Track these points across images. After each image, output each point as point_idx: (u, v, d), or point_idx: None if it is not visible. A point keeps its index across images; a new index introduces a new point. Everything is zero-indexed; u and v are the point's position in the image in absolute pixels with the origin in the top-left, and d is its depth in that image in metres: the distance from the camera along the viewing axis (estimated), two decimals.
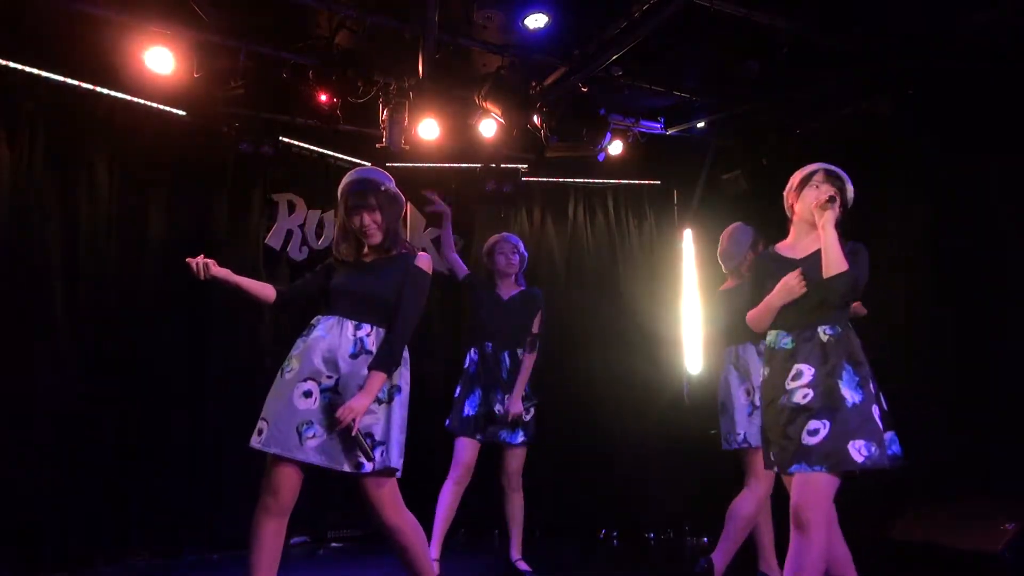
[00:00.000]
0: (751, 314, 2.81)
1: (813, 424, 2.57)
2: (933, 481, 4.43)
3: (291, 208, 5.49)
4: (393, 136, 4.82)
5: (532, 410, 4.24)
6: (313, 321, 2.83)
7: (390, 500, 2.74)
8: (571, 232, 6.21)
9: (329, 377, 2.69)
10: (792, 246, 2.87)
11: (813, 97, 4.95)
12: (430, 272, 2.91)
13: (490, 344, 4.23)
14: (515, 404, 4.14)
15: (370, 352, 2.72)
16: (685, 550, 5.19)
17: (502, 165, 5.70)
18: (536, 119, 4.97)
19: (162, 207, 4.83)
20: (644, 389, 5.74)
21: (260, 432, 2.66)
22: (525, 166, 5.90)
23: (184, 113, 4.80)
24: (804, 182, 2.85)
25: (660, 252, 6.16)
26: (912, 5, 4.07)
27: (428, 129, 4.99)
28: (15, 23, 4.15)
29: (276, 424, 2.64)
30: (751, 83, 4.39)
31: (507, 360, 4.24)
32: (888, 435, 2.62)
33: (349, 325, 2.75)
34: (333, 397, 2.66)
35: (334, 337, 2.73)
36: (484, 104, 4.80)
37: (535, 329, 4.24)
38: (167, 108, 4.79)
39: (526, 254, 4.44)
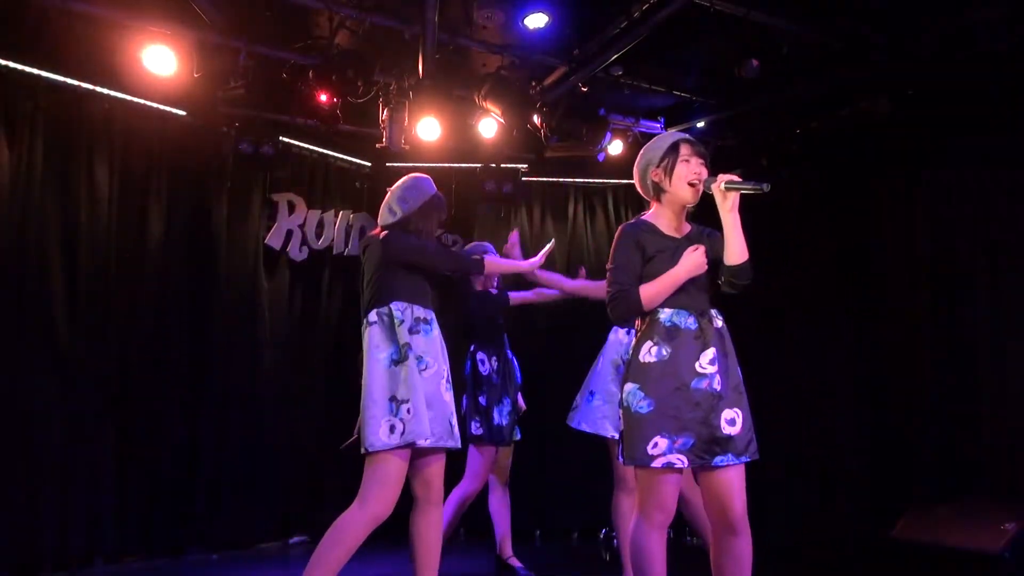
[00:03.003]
0: (650, 289, 2.47)
1: (728, 413, 2.43)
2: (933, 481, 4.43)
3: (291, 208, 5.49)
4: (393, 136, 4.82)
5: None
6: (425, 316, 2.97)
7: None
8: (571, 232, 6.21)
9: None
10: (667, 224, 2.59)
11: (813, 97, 4.95)
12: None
13: (505, 346, 4.27)
14: (523, 402, 4.29)
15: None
16: (685, 550, 5.19)
17: (502, 165, 5.70)
18: (536, 119, 4.97)
19: (162, 207, 4.83)
20: None
21: (394, 429, 2.77)
22: (525, 166, 5.90)
23: (184, 113, 4.80)
24: (670, 155, 2.54)
25: None
26: (912, 5, 4.07)
27: (428, 129, 4.99)
28: (15, 23, 4.15)
29: (434, 418, 2.84)
30: (751, 83, 4.39)
31: (515, 360, 4.33)
32: None
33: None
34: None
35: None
36: (484, 104, 4.80)
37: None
38: (167, 108, 4.79)
39: None
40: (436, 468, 2.95)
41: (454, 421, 2.92)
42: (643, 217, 2.64)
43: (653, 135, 5.75)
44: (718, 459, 2.40)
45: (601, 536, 5.59)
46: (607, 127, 5.22)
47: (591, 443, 5.79)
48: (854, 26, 4.28)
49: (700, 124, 5.60)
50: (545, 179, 6.17)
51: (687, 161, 2.52)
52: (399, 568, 4.40)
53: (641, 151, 2.64)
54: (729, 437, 2.41)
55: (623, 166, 5.82)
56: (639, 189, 2.66)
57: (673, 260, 2.48)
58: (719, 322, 2.53)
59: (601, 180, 6.22)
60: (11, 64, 4.24)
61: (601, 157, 5.45)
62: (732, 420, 2.43)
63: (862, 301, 4.94)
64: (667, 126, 5.74)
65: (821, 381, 5.14)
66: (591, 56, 4.65)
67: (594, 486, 5.60)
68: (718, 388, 2.43)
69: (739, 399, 2.47)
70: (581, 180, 6.25)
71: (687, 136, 2.59)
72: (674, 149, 2.54)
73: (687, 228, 2.62)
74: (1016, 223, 4.37)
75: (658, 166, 2.55)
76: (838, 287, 5.10)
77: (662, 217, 2.60)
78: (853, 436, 4.96)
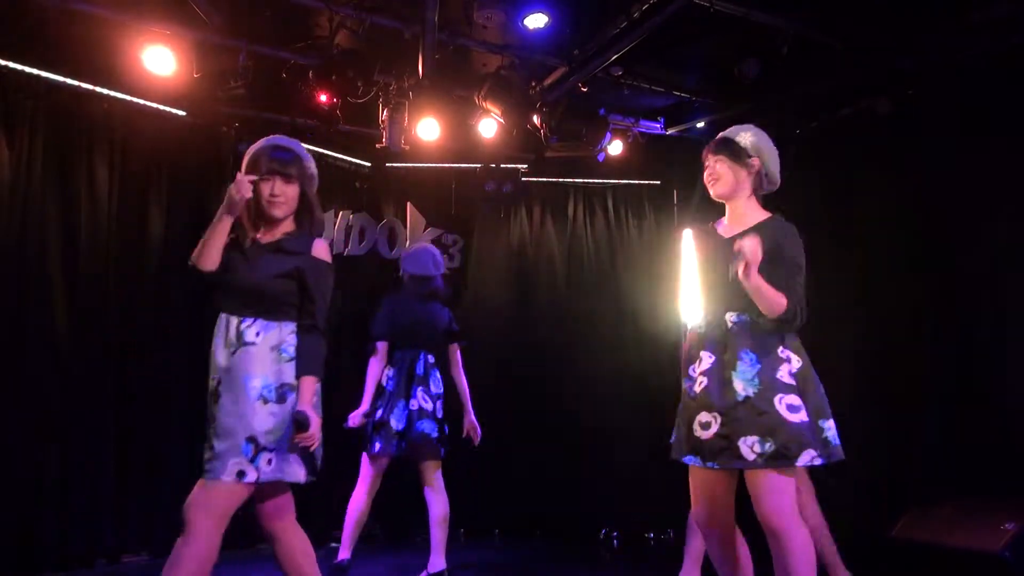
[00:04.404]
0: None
1: (704, 416, 2.43)
2: (933, 481, 4.43)
3: None
4: (393, 136, 4.82)
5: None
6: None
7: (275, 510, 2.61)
8: (571, 232, 6.21)
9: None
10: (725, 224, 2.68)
11: (813, 97, 4.95)
12: (330, 261, 2.70)
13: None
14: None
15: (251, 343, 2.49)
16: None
17: (502, 165, 5.70)
18: (536, 119, 4.97)
19: (162, 207, 4.83)
20: (644, 389, 5.74)
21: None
22: (525, 166, 5.90)
23: (184, 113, 4.80)
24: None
25: (660, 252, 6.15)
26: (912, 5, 4.07)
27: (428, 129, 4.99)
28: (15, 23, 4.15)
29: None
30: (751, 83, 4.39)
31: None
32: (831, 424, 2.43)
33: (234, 321, 2.52)
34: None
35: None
36: (484, 104, 4.80)
37: None
38: (167, 108, 4.79)
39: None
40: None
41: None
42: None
43: (653, 135, 5.78)
44: (687, 458, 2.50)
45: (601, 536, 5.60)
46: (607, 127, 5.22)
47: (590, 443, 5.83)
48: (854, 26, 4.28)
49: (700, 124, 5.60)
50: (545, 179, 6.17)
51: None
52: (398, 569, 4.41)
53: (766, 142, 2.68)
54: (700, 440, 2.44)
55: (623, 166, 5.84)
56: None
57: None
58: (730, 323, 2.48)
59: (601, 180, 6.22)
60: (11, 64, 4.24)
61: (601, 157, 5.45)
62: (707, 424, 2.43)
63: (862, 300, 4.93)
64: (667, 126, 5.75)
65: (821, 381, 5.12)
66: (591, 56, 4.65)
67: (594, 486, 5.62)
68: (697, 391, 2.51)
69: (724, 403, 2.41)
70: (581, 180, 6.26)
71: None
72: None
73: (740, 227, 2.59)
74: (1017, 223, 4.37)
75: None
76: (838, 287, 5.09)
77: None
78: (853, 436, 4.95)
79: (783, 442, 2.31)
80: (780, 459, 2.31)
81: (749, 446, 2.33)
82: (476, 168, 5.70)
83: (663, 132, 5.76)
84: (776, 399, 2.35)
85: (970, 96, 4.44)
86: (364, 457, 4.01)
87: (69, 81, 4.45)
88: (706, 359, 2.50)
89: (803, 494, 3.29)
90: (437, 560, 3.98)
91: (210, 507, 2.38)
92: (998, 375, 4.36)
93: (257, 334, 2.50)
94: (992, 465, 4.24)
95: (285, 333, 2.53)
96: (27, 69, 4.29)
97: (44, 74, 4.36)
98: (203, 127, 4.85)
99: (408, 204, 5.96)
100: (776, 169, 2.66)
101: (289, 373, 2.48)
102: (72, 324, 4.35)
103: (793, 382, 2.40)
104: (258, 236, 2.64)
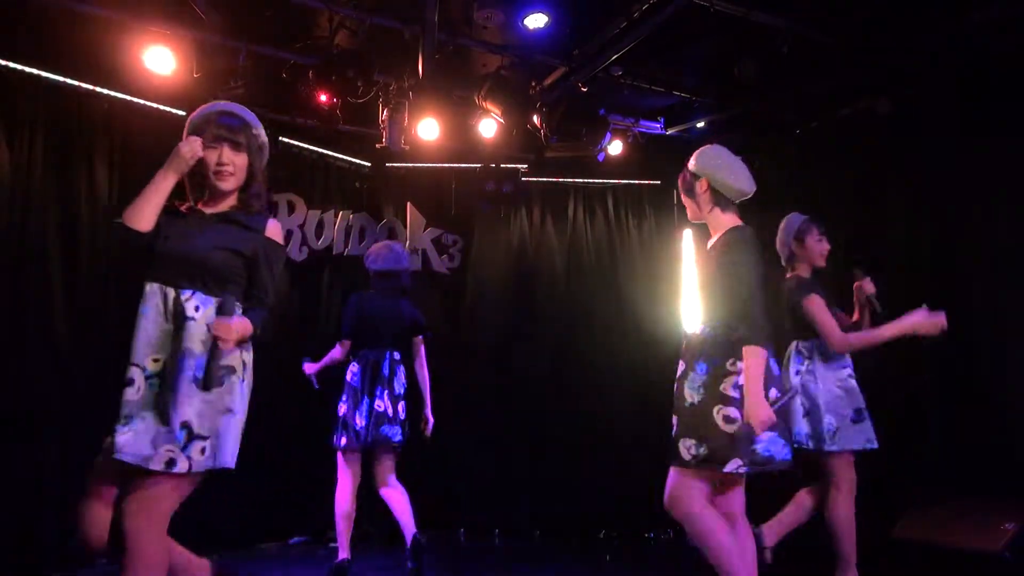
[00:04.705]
0: None
1: (673, 419, 2.73)
2: (933, 481, 4.43)
3: (291, 208, 5.50)
4: (393, 136, 4.82)
5: None
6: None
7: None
8: (571, 232, 6.21)
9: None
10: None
11: (813, 97, 4.95)
12: (283, 243, 2.53)
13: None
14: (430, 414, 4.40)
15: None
16: (685, 550, 5.19)
17: (502, 165, 5.70)
18: (536, 119, 4.97)
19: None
20: (644, 389, 5.74)
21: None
22: (525, 166, 5.90)
23: (184, 113, 4.79)
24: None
25: (660, 252, 6.16)
26: (912, 5, 4.07)
27: (428, 129, 4.99)
28: (15, 23, 4.15)
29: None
30: (751, 83, 4.39)
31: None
32: (768, 436, 2.57)
33: (170, 293, 2.34)
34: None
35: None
36: (484, 104, 4.80)
37: None
38: (167, 108, 4.79)
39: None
40: None
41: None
42: None
43: (653, 135, 5.78)
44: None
45: (601, 536, 5.60)
46: (607, 127, 5.22)
47: (590, 443, 5.83)
48: (854, 26, 4.28)
49: (700, 124, 5.60)
50: (545, 179, 6.17)
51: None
52: (397, 569, 4.41)
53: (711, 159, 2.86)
54: (669, 439, 2.72)
55: (623, 166, 5.85)
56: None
57: None
58: (695, 334, 2.76)
59: (601, 180, 6.22)
60: (11, 64, 4.24)
61: (601, 157, 5.45)
62: (672, 426, 2.72)
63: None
64: (667, 126, 5.75)
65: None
66: (591, 56, 4.65)
67: (594, 486, 5.62)
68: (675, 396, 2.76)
69: (679, 407, 2.70)
70: (581, 180, 6.26)
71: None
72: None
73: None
74: (1017, 223, 4.37)
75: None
76: (837, 287, 5.09)
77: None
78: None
79: (713, 449, 2.56)
80: (708, 463, 2.57)
81: (687, 448, 2.62)
82: (476, 168, 5.70)
83: (663, 132, 5.76)
84: (715, 410, 2.58)
85: (970, 96, 4.44)
86: (339, 455, 4.09)
87: (69, 81, 4.45)
88: (679, 367, 2.76)
89: (835, 488, 3.40)
90: (411, 527, 3.99)
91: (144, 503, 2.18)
92: (998, 375, 4.36)
93: (196, 308, 2.29)
94: (992, 465, 4.24)
95: (228, 310, 2.33)
96: (27, 69, 4.29)
97: (44, 74, 4.36)
98: None
99: (408, 204, 5.96)
100: (731, 178, 2.77)
101: (232, 355, 2.28)
102: (72, 324, 4.35)
103: (736, 395, 2.58)
104: (199, 207, 2.44)
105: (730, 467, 2.53)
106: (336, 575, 3.97)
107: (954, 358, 4.53)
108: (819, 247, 3.57)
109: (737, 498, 2.73)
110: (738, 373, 2.57)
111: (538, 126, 5.02)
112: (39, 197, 4.30)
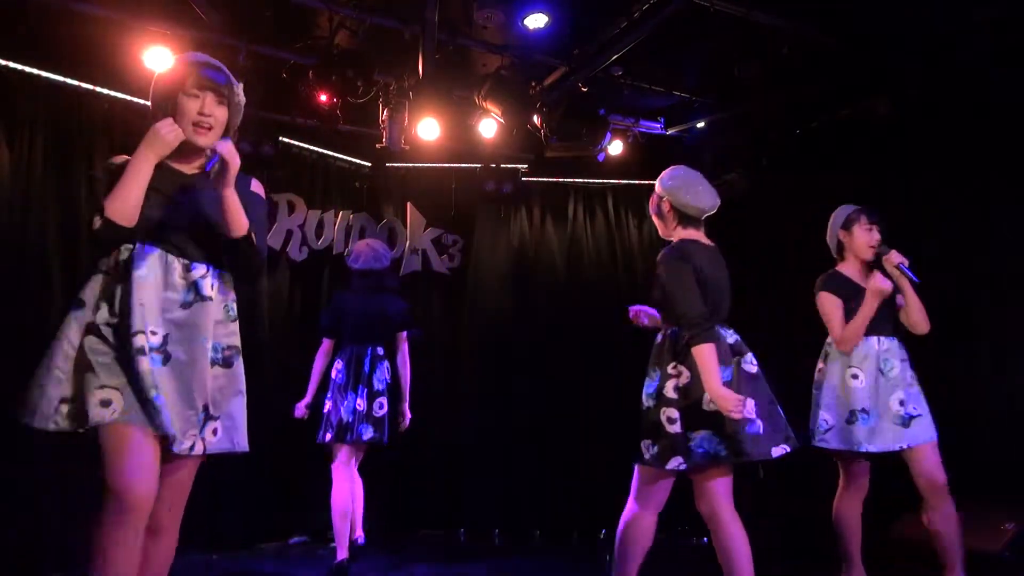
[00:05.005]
0: None
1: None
2: None
3: (291, 208, 5.49)
4: (393, 136, 4.82)
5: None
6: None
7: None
8: (571, 232, 6.21)
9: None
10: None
11: (813, 97, 4.95)
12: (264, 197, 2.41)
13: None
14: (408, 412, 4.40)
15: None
16: (685, 550, 5.19)
17: (502, 165, 5.70)
18: (536, 119, 4.97)
19: None
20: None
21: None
22: (525, 166, 5.90)
23: None
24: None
25: (659, 252, 6.15)
26: (912, 4, 4.07)
27: (428, 129, 4.99)
28: (15, 23, 4.15)
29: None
30: (751, 83, 4.39)
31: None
32: (700, 435, 2.68)
33: (177, 265, 2.16)
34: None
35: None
36: (484, 104, 4.80)
37: None
38: None
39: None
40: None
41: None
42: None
43: (653, 135, 5.78)
44: None
45: (601, 536, 5.60)
46: (607, 127, 5.22)
47: (591, 443, 5.83)
48: (854, 26, 4.28)
49: (700, 124, 5.60)
50: (545, 179, 6.17)
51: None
52: (397, 568, 4.42)
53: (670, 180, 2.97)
54: None
55: (623, 166, 5.84)
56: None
57: None
58: (659, 342, 2.96)
59: (601, 180, 6.22)
60: (11, 64, 4.24)
61: (601, 157, 5.45)
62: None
63: None
64: (667, 126, 5.75)
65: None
66: (591, 56, 4.66)
67: (594, 487, 5.62)
68: None
69: (641, 410, 2.91)
70: (581, 180, 6.26)
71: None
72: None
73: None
74: (1017, 223, 4.37)
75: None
76: None
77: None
78: None
79: (662, 448, 2.73)
80: (658, 462, 2.74)
81: (645, 447, 2.81)
82: (476, 168, 5.70)
83: (663, 132, 5.76)
84: (661, 412, 2.78)
85: (970, 96, 4.44)
86: (333, 458, 4.14)
87: (69, 81, 4.45)
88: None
89: (845, 489, 3.45)
90: (358, 525, 4.18)
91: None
92: (998, 375, 4.36)
93: (212, 286, 2.17)
94: (992, 465, 4.24)
95: (229, 286, 2.25)
96: (27, 69, 4.30)
97: (44, 74, 4.36)
98: None
99: (408, 204, 5.96)
100: (690, 197, 2.89)
101: (235, 335, 2.23)
102: None
103: (675, 396, 2.75)
104: (170, 164, 2.21)
105: (671, 464, 2.70)
106: (336, 575, 3.98)
107: (954, 358, 4.54)
108: (868, 236, 3.43)
109: (719, 498, 2.78)
110: (677, 376, 2.76)
111: (538, 126, 5.02)
112: (39, 197, 4.31)
